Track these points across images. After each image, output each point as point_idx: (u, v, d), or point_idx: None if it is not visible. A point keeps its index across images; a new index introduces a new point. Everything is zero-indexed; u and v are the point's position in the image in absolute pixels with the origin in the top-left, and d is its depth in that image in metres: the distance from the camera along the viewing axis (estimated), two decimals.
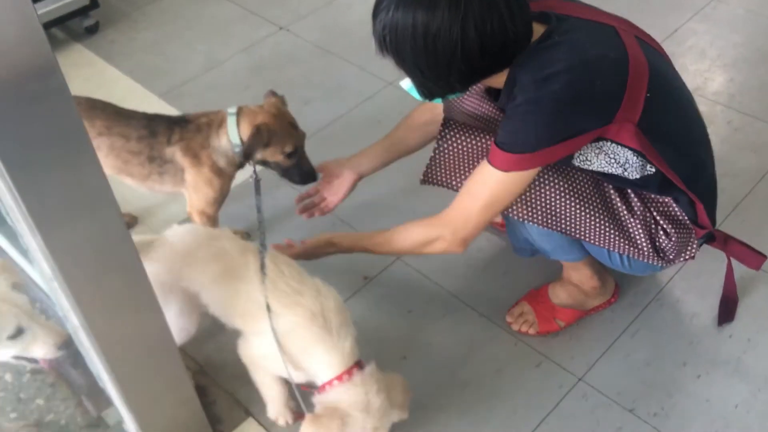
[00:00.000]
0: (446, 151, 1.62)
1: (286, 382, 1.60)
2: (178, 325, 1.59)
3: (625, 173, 1.52)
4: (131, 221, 2.22)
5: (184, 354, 1.83)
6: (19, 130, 1.02)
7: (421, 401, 1.74)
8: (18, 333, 1.37)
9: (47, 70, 1.01)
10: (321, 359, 1.48)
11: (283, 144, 1.78)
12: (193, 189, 1.86)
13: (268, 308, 1.49)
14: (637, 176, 1.52)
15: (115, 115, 1.86)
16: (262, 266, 1.52)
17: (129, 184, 1.90)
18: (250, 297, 1.53)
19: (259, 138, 1.74)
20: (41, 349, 1.40)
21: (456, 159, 1.63)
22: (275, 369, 1.55)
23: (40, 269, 1.23)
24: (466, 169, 1.62)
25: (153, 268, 1.40)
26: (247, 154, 1.77)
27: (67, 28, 3.02)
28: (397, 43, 1.41)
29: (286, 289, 1.51)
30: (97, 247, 1.18)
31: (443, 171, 1.65)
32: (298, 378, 1.53)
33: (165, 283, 1.52)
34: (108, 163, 1.84)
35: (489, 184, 1.50)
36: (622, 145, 1.46)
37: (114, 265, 1.23)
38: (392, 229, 1.71)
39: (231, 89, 2.73)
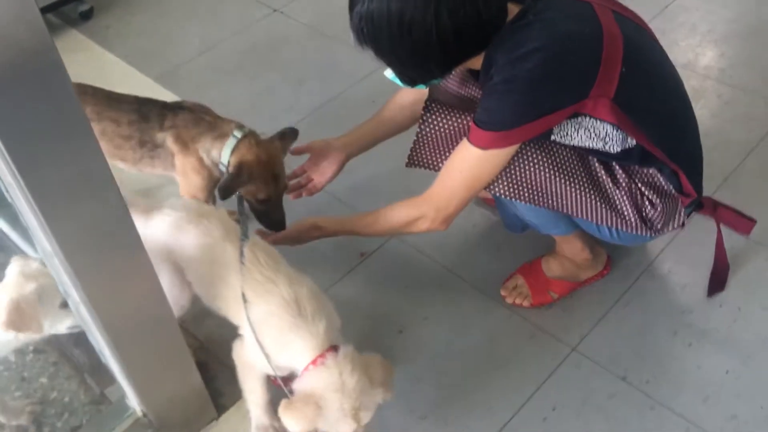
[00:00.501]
0: (428, 134, 1.64)
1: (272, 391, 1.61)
2: (171, 297, 1.58)
3: (606, 147, 1.54)
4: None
5: (185, 331, 1.86)
6: (18, 109, 1.03)
7: (418, 374, 1.78)
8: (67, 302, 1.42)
9: (44, 50, 1.03)
10: (296, 346, 1.46)
11: (257, 190, 1.78)
12: (182, 175, 1.87)
13: (244, 298, 1.49)
14: (619, 149, 1.54)
15: (105, 100, 1.86)
16: (241, 254, 1.53)
17: (121, 168, 1.91)
18: (226, 283, 1.53)
19: (238, 176, 1.73)
20: None
21: (438, 141, 1.65)
22: (262, 366, 1.53)
23: (41, 246, 1.25)
24: (450, 150, 1.64)
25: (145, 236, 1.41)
26: (224, 185, 1.73)
27: (62, 14, 3.04)
28: (374, 34, 1.44)
29: (260, 278, 1.50)
30: (97, 224, 1.21)
31: (427, 154, 1.67)
32: (281, 373, 1.52)
33: (155, 254, 1.52)
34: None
35: (469, 163, 1.53)
36: (600, 119, 1.49)
37: (113, 241, 1.25)
38: (377, 211, 1.73)
39: (226, 71, 2.75)
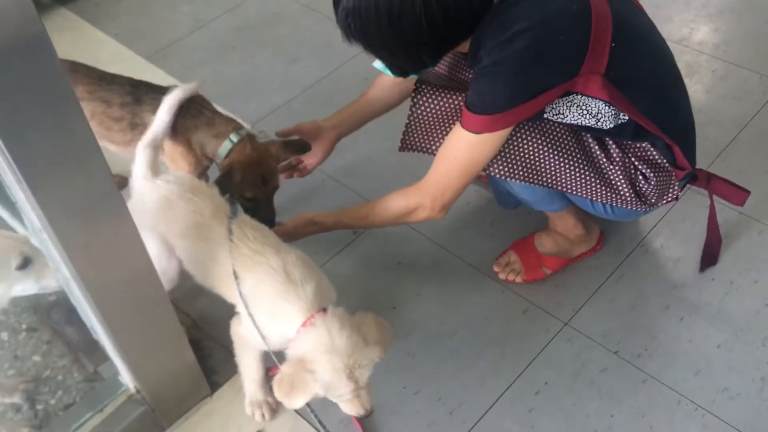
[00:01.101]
0: (420, 116, 1.63)
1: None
2: (158, 267, 1.57)
3: (599, 123, 1.54)
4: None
5: (178, 309, 1.86)
6: (3, 82, 1.02)
7: (411, 349, 1.78)
8: (25, 263, 1.40)
9: (28, 22, 1.01)
10: (286, 312, 1.44)
11: (244, 190, 1.78)
12: (171, 160, 1.86)
13: (235, 275, 1.48)
14: (611, 125, 1.54)
15: (97, 80, 1.84)
16: (230, 232, 1.52)
17: (111, 150, 1.89)
18: (216, 261, 1.53)
19: (227, 177, 1.74)
20: (53, 278, 1.42)
21: (431, 123, 1.64)
22: (258, 342, 1.52)
23: (29, 221, 1.25)
24: (442, 132, 1.63)
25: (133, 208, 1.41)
26: (217, 181, 1.73)
27: None
28: (362, 28, 1.43)
29: (248, 252, 1.50)
30: (85, 198, 1.20)
31: (419, 137, 1.66)
32: (277, 346, 1.51)
33: (143, 225, 1.52)
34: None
35: (463, 148, 1.52)
36: (592, 96, 1.48)
37: (102, 215, 1.24)
38: (372, 202, 1.73)
39: (217, 49, 2.72)
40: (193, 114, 1.78)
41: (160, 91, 1.81)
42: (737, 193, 1.73)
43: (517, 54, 1.40)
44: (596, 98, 1.48)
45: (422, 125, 1.64)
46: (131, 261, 1.34)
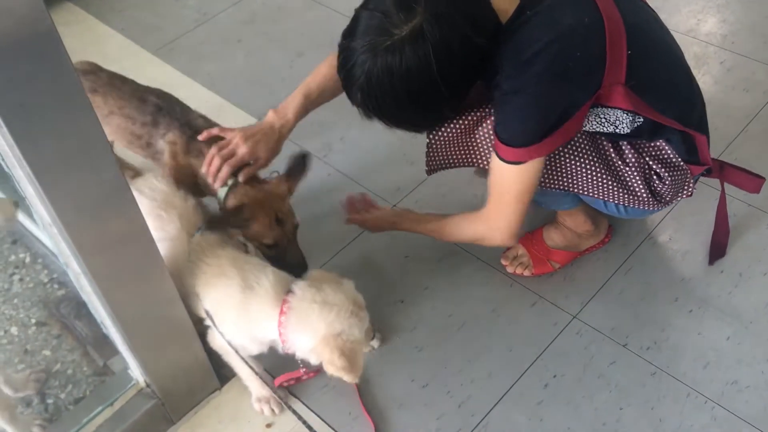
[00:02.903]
0: (438, 139, 1.65)
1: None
2: None
3: (617, 129, 1.53)
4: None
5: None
6: (13, 79, 1.02)
7: (418, 343, 1.78)
8: None
9: (38, 19, 1.02)
10: (258, 316, 1.47)
11: (262, 236, 1.65)
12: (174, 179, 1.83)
13: (197, 296, 1.54)
14: (628, 130, 1.53)
15: (129, 96, 1.82)
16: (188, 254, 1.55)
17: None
18: (179, 280, 1.53)
19: (235, 216, 1.62)
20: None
21: (449, 144, 1.65)
22: (238, 348, 1.55)
23: (39, 216, 1.25)
24: (462, 147, 1.64)
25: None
26: (216, 218, 1.65)
27: None
28: (380, 108, 1.44)
29: (206, 269, 1.53)
30: (95, 193, 1.20)
31: (441, 157, 1.68)
32: (261, 347, 1.55)
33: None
34: (117, 140, 1.86)
35: (511, 179, 1.51)
36: (613, 107, 1.47)
37: (112, 210, 1.24)
38: (444, 220, 1.74)
39: (224, 43, 2.72)
40: (196, 155, 1.72)
41: (176, 116, 1.77)
42: (752, 181, 1.70)
43: (538, 78, 1.38)
44: (616, 107, 1.47)
45: (442, 147, 1.66)
46: (141, 256, 1.35)
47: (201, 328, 1.79)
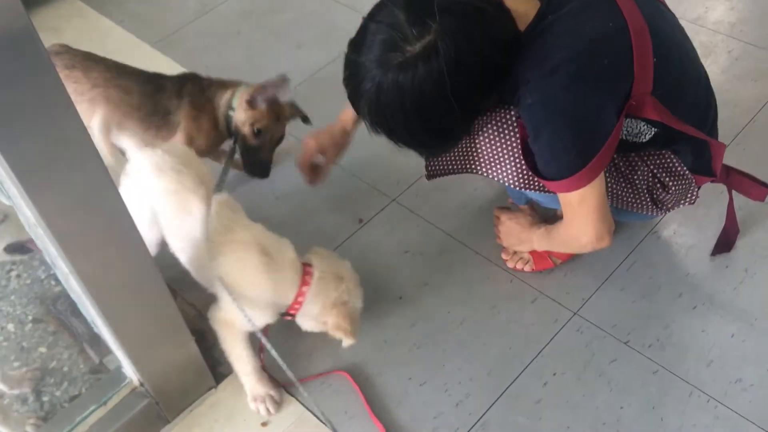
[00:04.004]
0: None
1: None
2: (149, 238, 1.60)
3: (636, 140, 1.50)
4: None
5: (183, 299, 1.86)
6: None
7: (417, 340, 1.76)
8: None
9: (15, 19, 0.99)
10: (283, 284, 1.55)
11: (258, 118, 1.84)
12: (188, 139, 1.87)
13: (211, 256, 1.51)
14: (646, 140, 1.50)
15: (115, 69, 1.87)
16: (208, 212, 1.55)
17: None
18: (189, 237, 1.55)
19: (251, 102, 1.84)
20: None
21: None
22: (241, 322, 1.53)
23: (24, 217, 1.23)
24: (463, 153, 1.62)
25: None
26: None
27: None
28: (388, 125, 1.38)
29: (219, 228, 1.55)
30: (79, 193, 1.18)
31: (442, 163, 1.65)
32: (263, 319, 1.56)
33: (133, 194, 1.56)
34: (104, 115, 1.85)
35: (579, 204, 1.46)
36: (638, 118, 1.43)
37: (97, 209, 1.22)
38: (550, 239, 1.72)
39: (223, 35, 2.70)
40: (205, 86, 1.89)
41: (177, 78, 1.89)
42: (757, 189, 1.67)
43: (565, 89, 1.33)
44: (640, 119, 1.43)
45: (440, 157, 1.64)
46: (128, 255, 1.33)
47: (197, 324, 1.78)
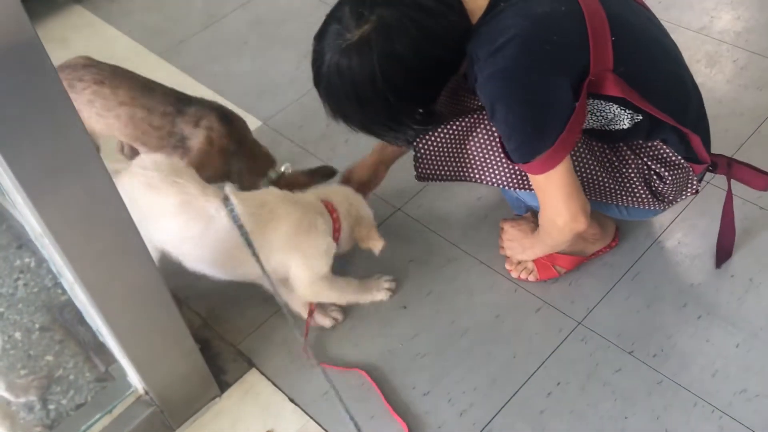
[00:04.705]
0: (426, 148, 1.62)
1: None
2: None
3: (617, 126, 1.50)
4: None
5: (188, 309, 1.87)
6: None
7: (420, 349, 1.76)
8: None
9: (21, 31, 1.01)
10: (325, 225, 1.70)
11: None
12: (199, 164, 1.86)
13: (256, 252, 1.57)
14: (628, 125, 1.50)
15: (140, 87, 1.88)
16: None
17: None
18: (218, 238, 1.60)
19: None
20: None
21: (438, 152, 1.63)
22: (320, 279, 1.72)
23: (29, 226, 1.24)
24: (452, 155, 1.62)
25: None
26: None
27: None
28: (339, 110, 1.49)
29: (252, 210, 1.63)
30: (84, 201, 1.20)
31: (431, 167, 1.66)
32: (329, 261, 1.72)
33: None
34: (126, 132, 1.88)
35: (550, 185, 1.46)
36: (606, 99, 1.44)
37: (102, 218, 1.24)
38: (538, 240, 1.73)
39: (230, 45, 2.72)
40: (236, 138, 1.90)
41: (203, 104, 1.88)
42: (760, 178, 1.65)
43: (512, 59, 1.35)
44: (610, 102, 1.44)
45: (430, 156, 1.64)
46: (134, 264, 1.34)
47: (201, 334, 1.79)
